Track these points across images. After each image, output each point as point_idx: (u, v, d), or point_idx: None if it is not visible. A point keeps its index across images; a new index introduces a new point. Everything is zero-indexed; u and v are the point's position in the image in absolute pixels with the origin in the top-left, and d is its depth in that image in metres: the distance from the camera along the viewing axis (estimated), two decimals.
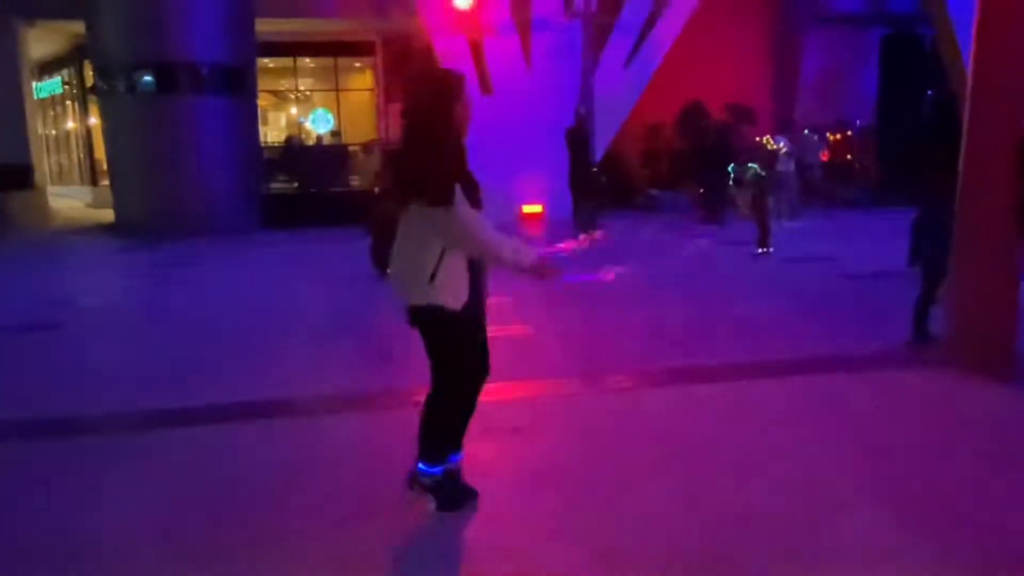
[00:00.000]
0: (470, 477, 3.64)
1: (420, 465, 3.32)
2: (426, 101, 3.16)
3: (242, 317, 7.64)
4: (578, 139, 12.74)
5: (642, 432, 4.25)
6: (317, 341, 6.51)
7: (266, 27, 16.75)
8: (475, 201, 3.15)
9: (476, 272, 3.24)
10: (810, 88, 20.08)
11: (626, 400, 4.81)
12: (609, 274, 3.15)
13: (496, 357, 5.74)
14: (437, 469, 3.31)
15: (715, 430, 4.23)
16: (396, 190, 3.23)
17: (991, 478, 3.57)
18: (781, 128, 13.30)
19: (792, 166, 13.02)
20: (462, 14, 14.54)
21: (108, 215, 16.98)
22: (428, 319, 3.19)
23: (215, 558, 3.09)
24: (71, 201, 23.45)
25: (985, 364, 4.85)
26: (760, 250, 10.12)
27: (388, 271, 3.33)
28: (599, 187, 12.87)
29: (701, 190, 16.62)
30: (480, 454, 4.00)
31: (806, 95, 19.87)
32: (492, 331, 6.48)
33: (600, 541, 3.10)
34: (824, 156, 13.59)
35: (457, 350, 3.26)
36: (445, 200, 3.02)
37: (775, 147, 10.98)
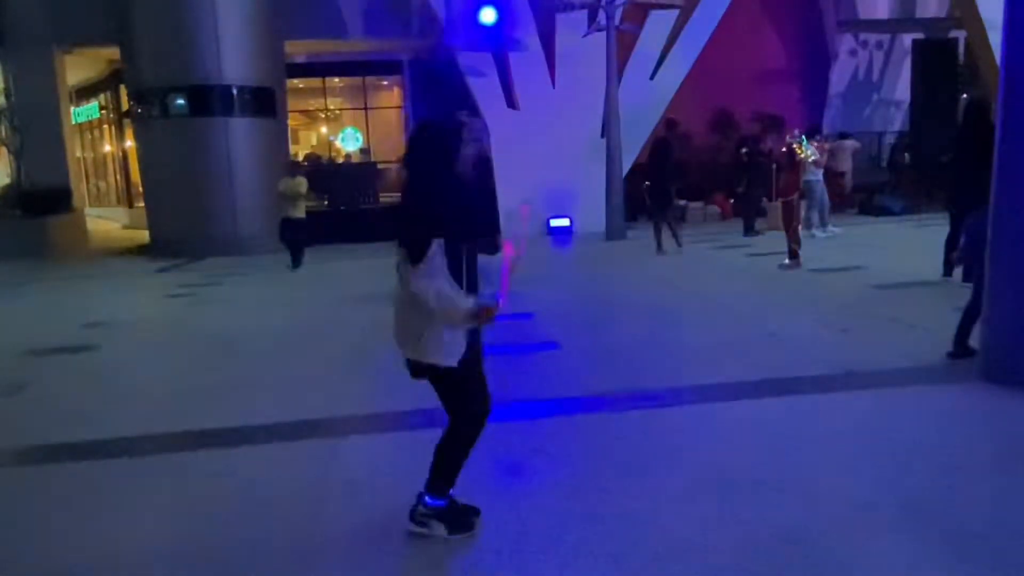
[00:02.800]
0: (496, 498, 3.63)
1: (427, 498, 3.34)
2: (422, 156, 3.15)
3: (272, 337, 7.72)
4: (664, 152, 12.32)
5: (671, 451, 4.19)
6: (347, 360, 6.54)
7: (295, 48, 17.02)
8: (471, 232, 3.15)
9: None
10: (839, 95, 19.88)
11: (655, 418, 4.75)
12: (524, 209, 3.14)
13: (522, 374, 5.80)
14: (442, 502, 3.34)
15: (747, 448, 4.16)
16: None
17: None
18: (809, 136, 13.11)
19: (821, 175, 12.86)
20: (487, 30, 14.64)
21: (143, 235, 17.31)
22: (425, 373, 3.24)
23: None
24: (108, 223, 23.97)
25: (1021, 377, 4.72)
26: (789, 261, 9.99)
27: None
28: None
29: (732, 200, 16.54)
30: (503, 474, 3.99)
31: (835, 102, 19.68)
32: (518, 348, 6.54)
33: (629, 563, 3.06)
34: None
35: (457, 399, 3.29)
36: (416, 256, 3.03)
37: (805, 154, 10.84)
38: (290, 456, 4.43)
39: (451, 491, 3.39)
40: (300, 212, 12.33)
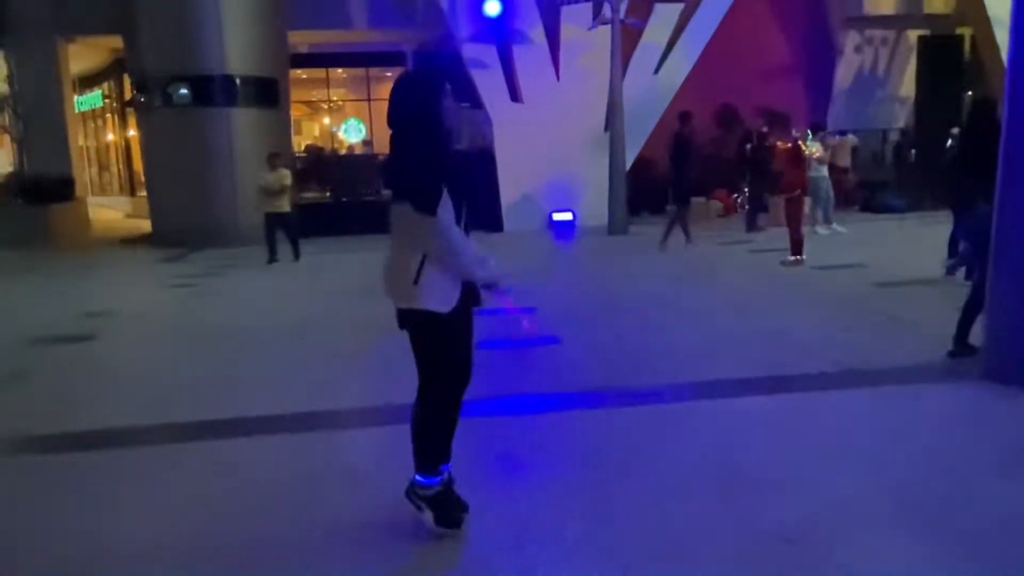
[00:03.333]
0: (495, 493, 3.63)
1: (417, 477, 3.29)
2: (412, 104, 3.11)
3: (273, 328, 7.71)
4: (681, 147, 12.25)
5: (671, 448, 4.18)
6: (347, 352, 6.54)
7: (298, 39, 16.98)
8: (459, 198, 3.10)
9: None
10: (844, 91, 19.78)
11: (656, 414, 4.74)
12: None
13: (522, 369, 5.79)
14: (434, 481, 3.27)
15: (747, 446, 4.15)
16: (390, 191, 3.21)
17: None
18: (813, 132, 13.07)
19: (826, 171, 12.82)
20: (492, 22, 14.59)
21: (146, 225, 17.30)
22: (414, 322, 3.16)
23: (239, 571, 3.10)
24: (110, 212, 23.97)
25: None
26: (791, 258, 9.97)
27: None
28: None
29: (736, 196, 16.50)
30: (502, 470, 3.99)
31: (840, 98, 19.58)
32: (519, 342, 6.53)
33: (628, 561, 3.05)
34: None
35: (441, 354, 3.21)
36: (430, 207, 2.99)
37: (810, 151, 10.80)
38: (290, 449, 4.42)
39: (447, 467, 3.32)
40: (286, 206, 12.06)
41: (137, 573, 3.16)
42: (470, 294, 3.21)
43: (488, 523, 3.38)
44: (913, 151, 17.09)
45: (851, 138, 16.57)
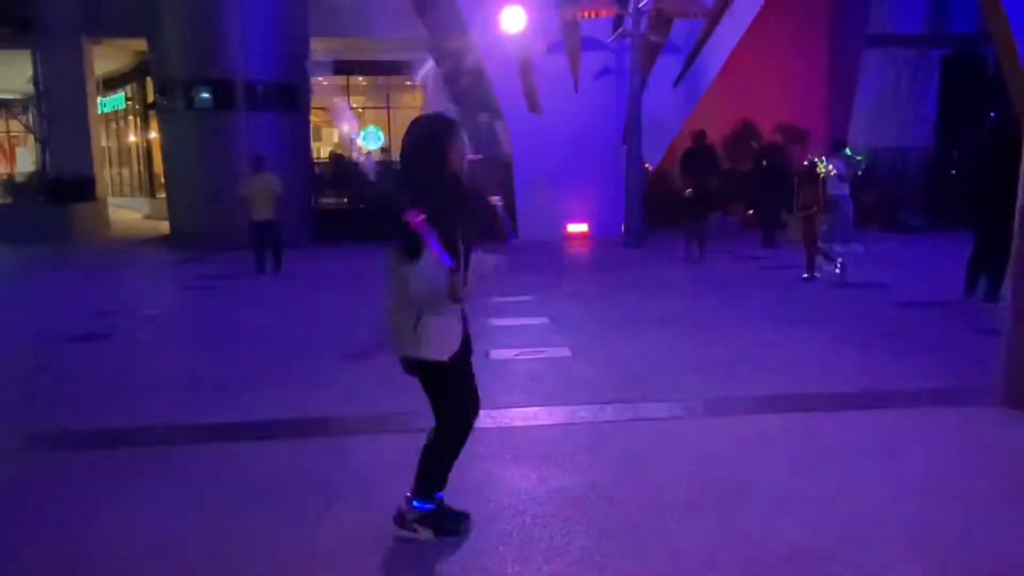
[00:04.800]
0: (501, 505, 3.61)
1: (414, 502, 3.31)
2: (420, 148, 3.16)
3: (285, 332, 7.73)
4: (697, 163, 12.49)
5: (680, 464, 4.14)
6: (361, 357, 6.53)
7: (320, 46, 17.09)
8: (471, 233, 3.15)
9: (464, 319, 3.26)
10: (866, 109, 19.65)
11: (665, 429, 4.70)
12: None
13: (531, 380, 5.76)
14: (429, 507, 3.31)
15: (758, 464, 4.11)
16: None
17: None
18: (834, 150, 12.99)
19: (847, 189, 12.73)
20: (512, 34, 14.63)
21: (165, 226, 17.44)
22: (417, 369, 3.22)
23: (249, 573, 3.10)
24: (130, 212, 24.18)
25: None
26: (807, 275, 9.90)
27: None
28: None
29: (751, 211, 16.41)
30: (511, 481, 3.96)
31: (861, 117, 19.44)
32: (528, 352, 6.50)
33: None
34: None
35: (447, 397, 3.28)
36: (414, 253, 3.01)
37: (826, 170, 10.72)
38: (298, 453, 4.42)
39: (440, 495, 3.35)
40: (273, 213, 11.31)
41: (144, 572, 3.16)
42: (467, 340, 3.28)
43: (493, 535, 3.36)
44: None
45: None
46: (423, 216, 2.96)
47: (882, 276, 9.98)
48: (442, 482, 3.34)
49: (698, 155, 12.68)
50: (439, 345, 3.14)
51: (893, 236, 15.18)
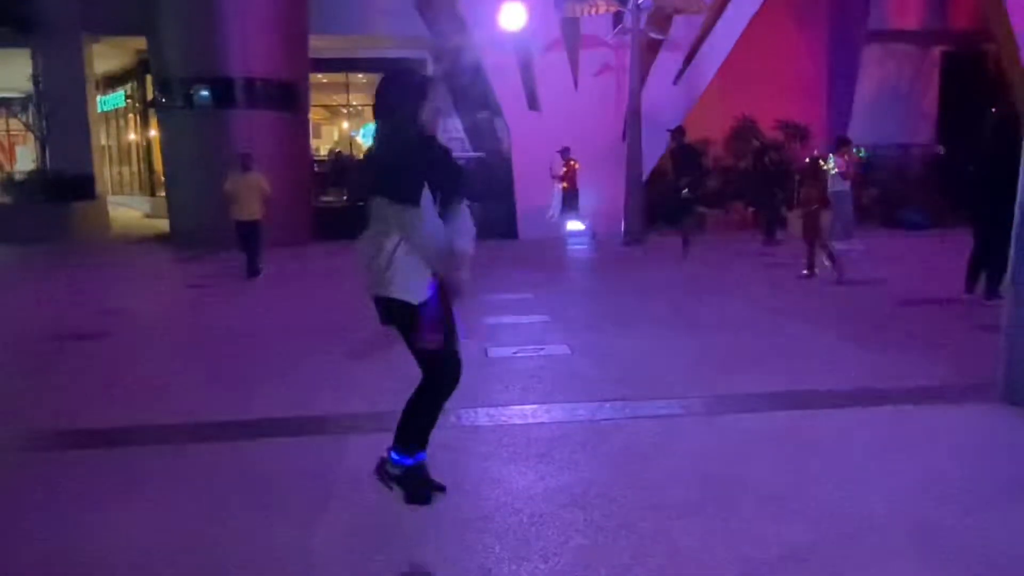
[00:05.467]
0: (499, 503, 3.59)
1: (392, 454, 3.35)
2: (393, 100, 3.20)
3: (286, 330, 7.72)
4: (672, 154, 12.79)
5: (679, 462, 4.12)
6: (361, 356, 6.52)
7: (319, 43, 17.07)
8: (454, 190, 3.21)
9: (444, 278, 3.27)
10: (866, 106, 19.63)
11: (664, 427, 4.68)
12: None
13: (530, 378, 5.75)
14: (407, 460, 3.34)
15: (758, 462, 4.09)
16: (368, 184, 3.28)
17: None
18: (837, 147, 12.98)
19: (848, 186, 12.72)
20: (512, 31, 14.62)
21: (165, 225, 17.44)
22: (390, 310, 3.25)
23: (240, 573, 3.10)
24: (130, 211, 24.19)
25: None
26: (805, 272, 9.89)
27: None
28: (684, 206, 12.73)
29: (752, 209, 16.41)
30: (508, 479, 3.95)
31: (861, 113, 19.42)
32: (527, 350, 6.49)
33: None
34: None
35: (415, 342, 3.29)
36: (411, 198, 3.07)
37: (827, 167, 10.72)
38: (296, 451, 4.40)
39: (421, 457, 3.35)
40: (258, 213, 10.90)
41: (140, 572, 3.15)
42: (447, 289, 3.30)
43: (491, 533, 3.35)
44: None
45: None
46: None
47: (882, 273, 9.96)
48: (422, 439, 3.35)
49: (677, 153, 12.75)
50: (408, 287, 3.17)
51: (893, 233, 15.16)
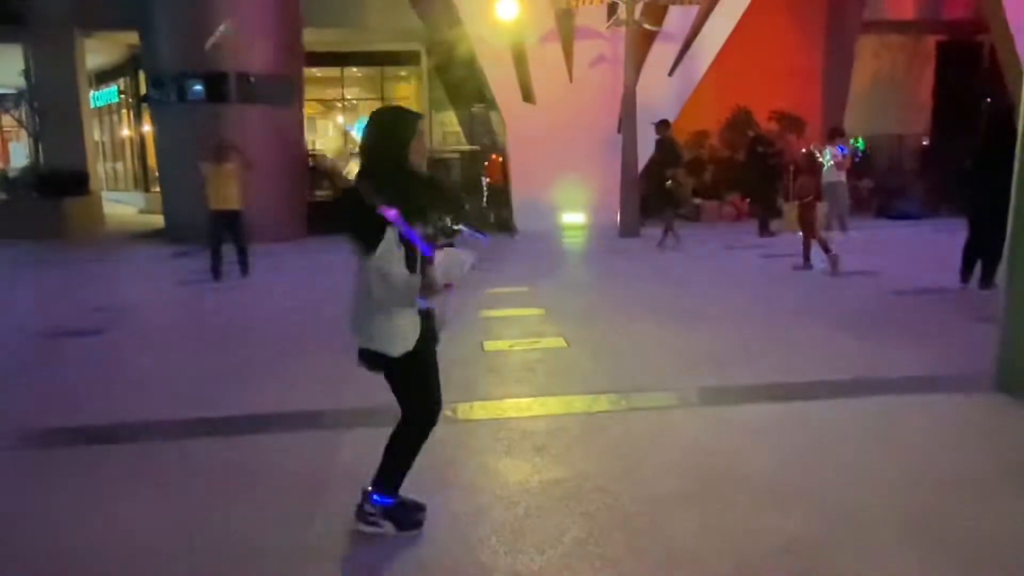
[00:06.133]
0: (495, 496, 3.59)
1: (373, 497, 3.30)
2: (380, 139, 3.11)
3: (280, 325, 7.71)
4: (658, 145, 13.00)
5: (675, 454, 4.13)
6: (352, 351, 6.49)
7: (313, 37, 16.99)
8: (444, 228, 3.17)
9: (425, 316, 3.18)
10: (861, 96, 19.61)
11: (659, 420, 4.68)
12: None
13: (526, 371, 5.75)
14: (389, 501, 3.30)
15: (752, 454, 4.09)
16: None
17: None
18: (830, 137, 12.97)
19: (843, 176, 12.71)
20: (506, 23, 14.56)
21: (159, 220, 17.37)
22: (370, 360, 3.19)
23: (241, 568, 3.08)
24: (124, 207, 24.08)
25: None
26: (803, 263, 9.89)
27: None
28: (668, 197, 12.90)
29: (748, 199, 16.40)
30: (504, 472, 3.94)
31: (857, 103, 19.41)
32: (523, 343, 6.48)
33: (627, 568, 3.01)
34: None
35: (405, 391, 3.25)
36: (365, 248, 2.97)
37: (822, 158, 10.71)
38: (291, 447, 4.40)
39: (399, 496, 3.33)
40: (237, 203, 10.24)
41: (136, 567, 3.14)
42: (430, 335, 3.21)
43: (487, 527, 3.35)
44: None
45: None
46: (396, 210, 2.93)
47: (877, 263, 9.96)
48: (402, 478, 3.31)
49: (659, 146, 12.83)
50: (391, 339, 3.10)
51: (888, 223, 15.17)
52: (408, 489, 3.35)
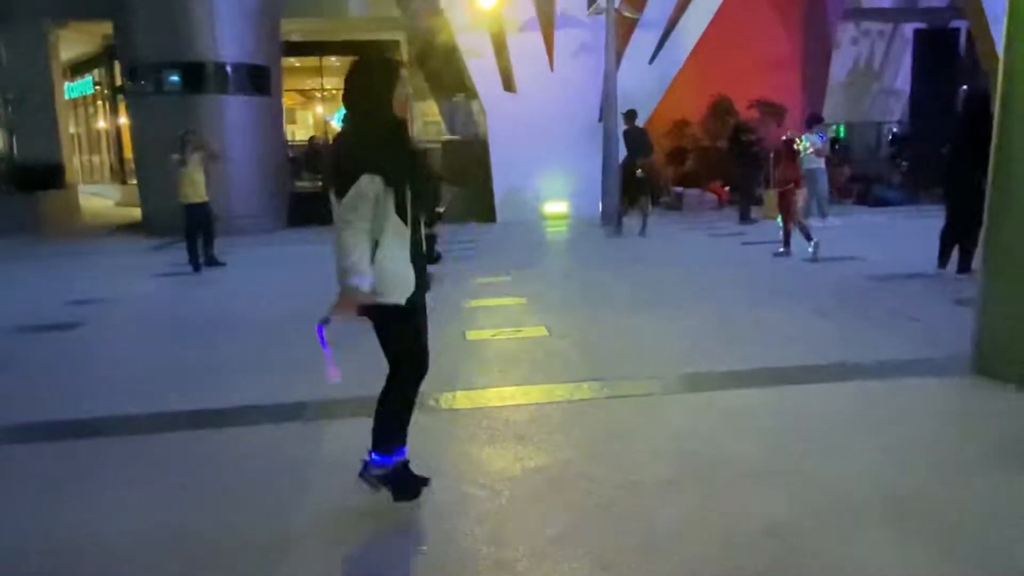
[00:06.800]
0: (477, 486, 3.59)
1: (373, 455, 3.31)
2: (360, 86, 3.11)
3: (261, 318, 7.65)
4: (625, 135, 13.17)
5: (657, 440, 4.13)
6: (335, 343, 6.46)
7: (292, 27, 16.83)
8: (423, 178, 3.19)
9: (418, 267, 3.19)
10: (840, 84, 19.72)
11: (642, 407, 4.69)
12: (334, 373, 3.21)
13: (508, 360, 5.74)
14: (389, 460, 3.30)
15: (735, 439, 4.10)
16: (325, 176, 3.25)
17: (1014, 494, 3.42)
18: (809, 125, 13.03)
19: (823, 163, 12.79)
20: (486, 11, 14.47)
21: (136, 213, 17.19)
22: (367, 311, 3.18)
23: (222, 561, 3.05)
24: (101, 200, 23.81)
25: (1014, 373, 4.67)
26: (782, 249, 9.95)
27: None
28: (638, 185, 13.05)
29: (727, 187, 16.47)
30: (487, 461, 3.93)
31: (836, 91, 19.51)
32: (505, 333, 6.47)
33: (611, 554, 3.01)
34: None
35: (391, 341, 3.25)
36: (343, 189, 2.98)
37: (802, 145, 10.74)
38: (275, 439, 4.36)
39: (403, 453, 3.33)
40: (206, 195, 10.45)
41: (116, 563, 3.10)
42: (422, 284, 3.22)
43: (470, 517, 3.34)
44: (905, 163, 17.04)
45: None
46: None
47: (856, 249, 10.03)
48: (399, 437, 3.30)
49: (627, 136, 12.93)
50: (386, 288, 3.09)
51: (867, 210, 15.28)
52: None
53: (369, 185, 2.97)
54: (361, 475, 3.34)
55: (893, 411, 4.45)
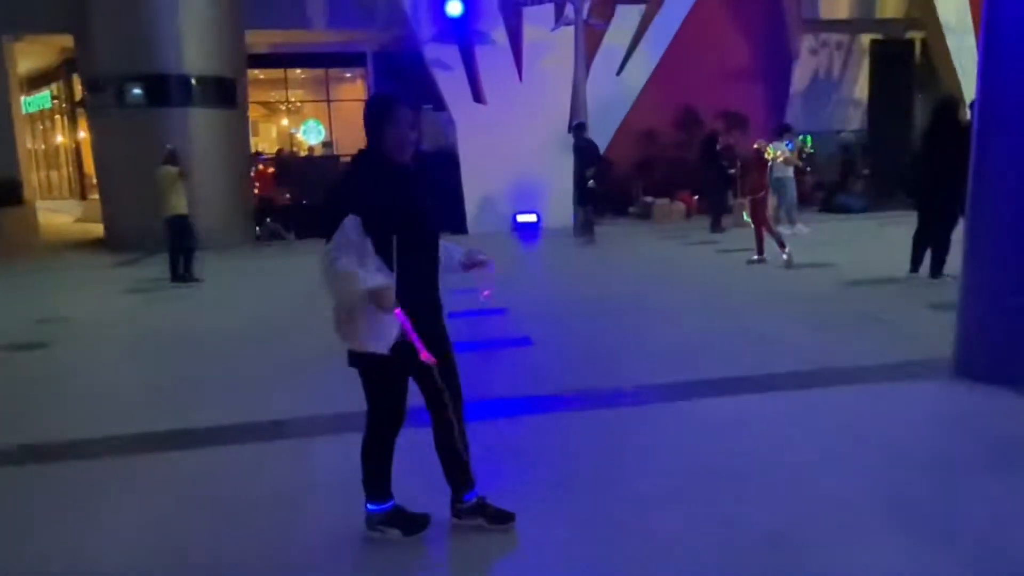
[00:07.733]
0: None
1: (368, 507, 3.24)
2: (364, 125, 3.06)
3: (234, 334, 7.49)
4: (575, 148, 13.37)
5: (650, 450, 4.12)
6: (311, 358, 6.35)
7: (256, 39, 16.65)
8: (419, 224, 3.04)
9: (420, 312, 3.04)
10: (801, 94, 20.08)
11: (632, 416, 4.68)
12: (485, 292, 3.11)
13: (497, 372, 5.68)
14: (385, 506, 3.23)
15: (726, 447, 4.10)
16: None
17: (1005, 494, 3.46)
18: (779, 134, 13.21)
19: (791, 172, 12.97)
20: (453, 23, 14.47)
21: (97, 229, 16.81)
22: (350, 358, 3.12)
23: None
24: (60, 216, 23.24)
25: (996, 375, 4.74)
26: (755, 257, 10.04)
27: None
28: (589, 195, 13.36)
29: (696, 196, 16.63)
30: (480, 478, 3.86)
31: (797, 101, 19.86)
32: (491, 344, 6.42)
33: (611, 566, 2.97)
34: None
35: (369, 392, 3.17)
36: (328, 232, 2.91)
37: (772, 154, 10.89)
38: (255, 459, 4.26)
39: (392, 503, 3.26)
40: (184, 208, 10.53)
41: None
42: (407, 349, 3.00)
43: (466, 530, 3.28)
44: (866, 171, 17.40)
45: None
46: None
47: (829, 256, 10.16)
48: (381, 484, 3.22)
49: (576, 148, 13.08)
50: (360, 335, 3.00)
51: (832, 217, 15.53)
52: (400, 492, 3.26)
53: (352, 227, 2.88)
54: (368, 528, 3.25)
55: (881, 416, 4.49)
